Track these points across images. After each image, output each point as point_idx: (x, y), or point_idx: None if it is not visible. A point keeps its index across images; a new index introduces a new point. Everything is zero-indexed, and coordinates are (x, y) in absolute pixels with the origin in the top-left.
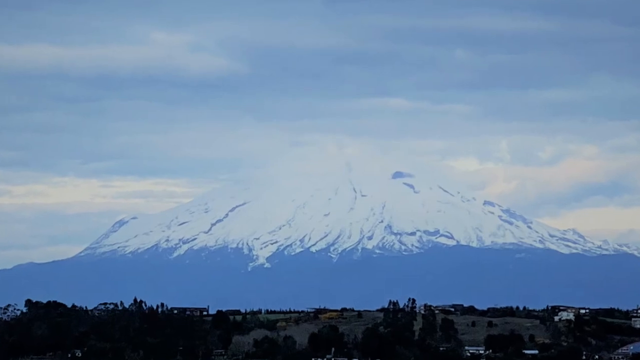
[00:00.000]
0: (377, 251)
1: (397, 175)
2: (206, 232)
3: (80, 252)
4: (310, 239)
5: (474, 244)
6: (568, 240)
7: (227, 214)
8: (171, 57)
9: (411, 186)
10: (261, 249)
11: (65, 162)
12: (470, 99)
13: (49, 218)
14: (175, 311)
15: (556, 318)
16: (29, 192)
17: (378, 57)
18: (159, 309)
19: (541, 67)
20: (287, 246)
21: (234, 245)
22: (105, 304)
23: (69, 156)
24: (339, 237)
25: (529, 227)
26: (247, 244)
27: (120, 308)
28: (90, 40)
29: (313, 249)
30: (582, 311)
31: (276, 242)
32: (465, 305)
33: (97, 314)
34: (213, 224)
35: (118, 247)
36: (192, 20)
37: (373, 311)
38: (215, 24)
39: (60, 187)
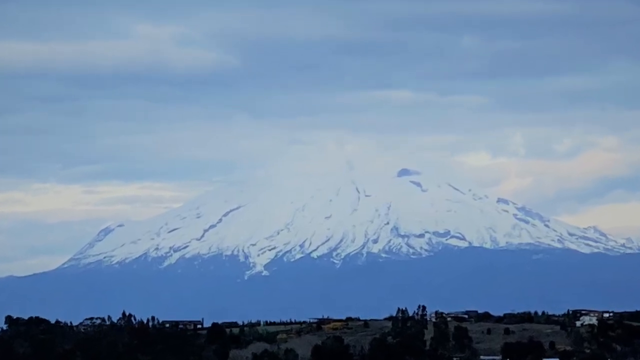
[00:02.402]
0: (383, 255)
1: (403, 173)
2: (198, 239)
3: (64, 264)
4: (311, 243)
5: (488, 245)
6: (589, 239)
7: (220, 219)
8: (157, 52)
9: (418, 184)
10: (258, 255)
11: (45, 167)
12: (480, 89)
13: (28, 228)
14: (167, 325)
15: (578, 323)
16: (6, 200)
17: (379, 47)
18: (150, 323)
19: (556, 53)
20: (286, 252)
21: (229, 253)
22: (91, 318)
23: (49, 161)
24: (341, 241)
25: (547, 226)
26: (243, 250)
27: (107, 323)
28: (68, 35)
29: (314, 255)
30: (606, 315)
31: (274, 247)
32: (479, 311)
33: (82, 330)
34: (206, 230)
35: (104, 257)
36: (179, 11)
37: (380, 320)
38: (204, 14)
39: (40, 194)
